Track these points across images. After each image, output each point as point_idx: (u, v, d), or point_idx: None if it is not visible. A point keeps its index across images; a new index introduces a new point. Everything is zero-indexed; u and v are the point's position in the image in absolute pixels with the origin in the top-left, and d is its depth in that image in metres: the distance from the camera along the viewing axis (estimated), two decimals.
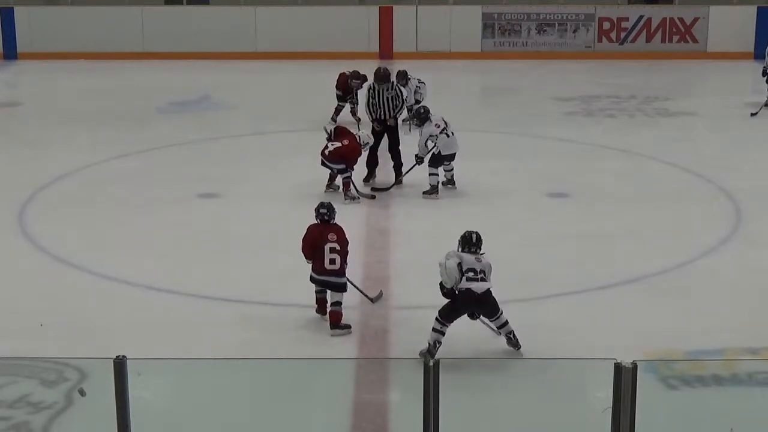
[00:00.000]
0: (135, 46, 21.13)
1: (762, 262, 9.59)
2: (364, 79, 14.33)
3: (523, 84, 19.19)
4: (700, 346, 7.73)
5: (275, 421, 6.27)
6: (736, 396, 6.97)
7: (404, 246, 10.04)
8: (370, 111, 12.00)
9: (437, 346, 7.33)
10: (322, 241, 7.93)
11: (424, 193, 11.47)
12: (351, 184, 11.32)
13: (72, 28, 21.14)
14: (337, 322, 7.95)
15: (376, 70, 12.20)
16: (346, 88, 14.65)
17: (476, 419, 6.33)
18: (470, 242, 7.41)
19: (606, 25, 21.47)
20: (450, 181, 11.68)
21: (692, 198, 11.72)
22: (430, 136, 11.35)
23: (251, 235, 10.25)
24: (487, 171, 12.48)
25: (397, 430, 6.53)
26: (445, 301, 7.35)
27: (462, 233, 7.50)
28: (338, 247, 7.92)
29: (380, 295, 8.54)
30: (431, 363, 4.96)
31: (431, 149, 11.42)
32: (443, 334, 7.33)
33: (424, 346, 7.36)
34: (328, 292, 8.04)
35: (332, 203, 8.28)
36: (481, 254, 7.39)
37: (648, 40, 21.49)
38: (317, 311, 8.14)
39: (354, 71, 14.71)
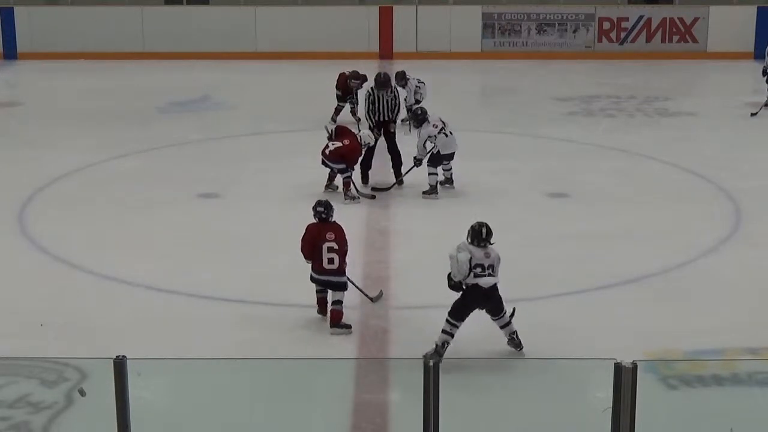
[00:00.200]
0: (135, 46, 21.14)
1: (762, 262, 9.59)
2: (364, 79, 14.34)
3: (523, 84, 19.19)
4: (700, 346, 7.73)
5: (275, 421, 6.27)
6: (736, 396, 6.97)
7: (404, 246, 10.04)
8: (370, 117, 11.99)
9: (445, 346, 7.32)
10: (320, 240, 7.93)
11: (423, 193, 11.47)
12: (351, 184, 11.32)
13: (72, 28, 21.16)
14: (337, 321, 7.95)
15: (377, 76, 12.21)
16: (346, 89, 14.66)
17: (476, 419, 6.33)
18: (480, 236, 7.34)
19: (606, 25, 21.48)
20: (448, 181, 11.68)
21: (692, 198, 11.72)
22: (429, 137, 11.36)
23: (251, 235, 10.25)
24: (487, 171, 12.49)
25: (397, 430, 6.53)
26: (452, 303, 7.32)
27: (472, 225, 7.41)
28: (336, 247, 7.92)
29: (380, 295, 8.54)
30: (431, 363, 4.96)
31: (430, 150, 11.42)
32: (452, 335, 7.32)
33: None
34: (329, 291, 8.04)
35: (330, 201, 8.27)
36: (491, 244, 7.37)
37: (648, 40, 21.50)
38: (318, 312, 8.13)
39: (353, 71, 14.71)
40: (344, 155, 11.19)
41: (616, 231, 10.44)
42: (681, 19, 21.46)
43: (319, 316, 8.13)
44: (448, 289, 7.33)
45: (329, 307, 8.03)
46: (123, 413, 5.01)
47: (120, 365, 4.98)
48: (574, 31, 21.48)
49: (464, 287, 7.26)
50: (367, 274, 9.03)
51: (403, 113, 13.09)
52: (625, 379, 4.89)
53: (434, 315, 7.73)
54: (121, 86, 18.63)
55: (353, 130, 11.70)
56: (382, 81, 12.10)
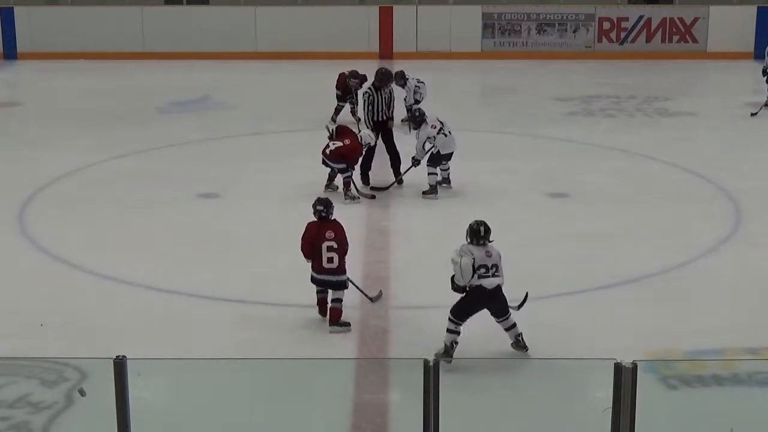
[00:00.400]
0: (135, 46, 21.14)
1: (762, 262, 9.59)
2: (364, 78, 14.35)
3: (523, 84, 19.19)
4: (700, 346, 7.73)
5: (275, 421, 6.27)
6: (736, 396, 6.97)
7: (404, 246, 10.04)
8: (368, 118, 11.98)
9: (454, 346, 7.31)
10: (320, 239, 7.92)
11: (423, 193, 11.48)
12: (351, 184, 11.33)
13: (72, 28, 21.15)
14: (337, 319, 7.96)
15: (378, 70, 12.25)
16: (346, 88, 14.66)
17: (476, 419, 6.33)
18: (478, 235, 7.33)
19: (606, 25, 21.48)
20: (445, 180, 11.67)
21: (692, 198, 11.72)
22: (428, 138, 11.36)
23: (251, 235, 10.25)
24: (487, 171, 12.49)
25: (397, 430, 6.53)
26: (454, 301, 7.32)
27: (470, 224, 7.41)
28: (336, 246, 7.91)
29: (380, 295, 8.54)
30: (432, 363, 4.96)
31: (429, 150, 11.42)
32: (459, 333, 7.31)
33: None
34: (329, 292, 8.04)
35: (330, 199, 8.27)
36: (490, 242, 7.37)
37: (648, 40, 21.50)
38: (319, 313, 8.12)
39: (352, 71, 14.71)
40: (345, 155, 11.19)
41: (616, 231, 10.44)
42: (681, 19, 21.46)
43: (320, 316, 8.12)
44: (452, 291, 7.32)
45: (330, 306, 8.02)
46: (123, 413, 5.02)
47: (120, 365, 4.98)
48: (574, 31, 21.48)
49: (468, 288, 7.26)
50: (367, 274, 9.03)
51: (401, 113, 13.09)
52: (625, 379, 4.90)
53: (434, 315, 7.73)
54: (121, 86, 18.63)
55: (354, 130, 11.71)
56: (383, 74, 12.12)
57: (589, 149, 13.97)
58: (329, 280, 7.97)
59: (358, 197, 11.34)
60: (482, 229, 7.36)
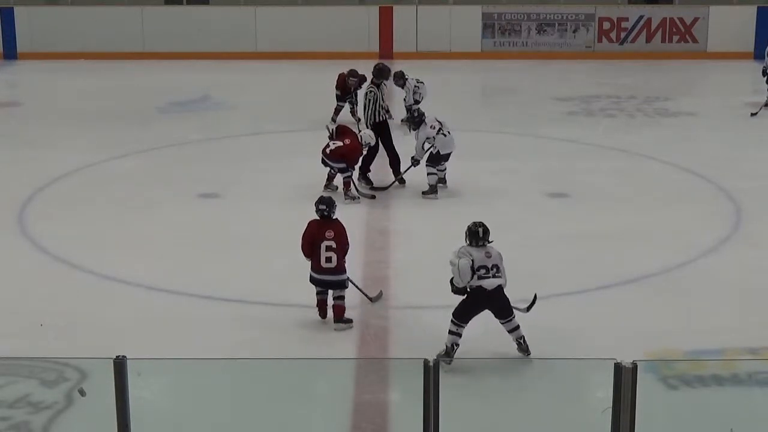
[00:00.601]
0: (135, 46, 21.13)
1: (762, 262, 9.59)
2: (363, 78, 14.35)
3: (523, 84, 19.18)
4: (700, 346, 7.73)
5: (275, 421, 6.27)
6: (736, 396, 6.97)
7: (404, 246, 10.04)
8: (369, 117, 11.99)
9: (455, 348, 7.30)
10: (319, 238, 7.92)
11: (423, 193, 11.48)
12: (351, 184, 11.33)
13: (72, 28, 21.14)
14: (341, 316, 7.98)
15: (375, 66, 12.31)
16: (345, 88, 14.66)
17: (476, 419, 6.33)
18: (477, 236, 7.32)
19: (606, 25, 21.48)
20: (441, 181, 11.66)
21: (692, 198, 11.72)
22: (427, 138, 11.37)
23: (251, 235, 10.24)
24: (487, 171, 12.48)
25: (397, 430, 6.53)
26: (457, 302, 7.32)
27: (468, 225, 7.40)
28: (334, 246, 7.91)
29: (380, 295, 8.54)
30: (432, 363, 4.96)
31: (428, 150, 11.43)
32: (460, 335, 7.29)
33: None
34: (329, 292, 8.03)
35: (332, 198, 8.26)
36: (490, 242, 7.36)
37: (648, 40, 21.50)
38: (318, 314, 8.11)
39: (351, 70, 14.71)
40: (345, 155, 11.19)
41: (616, 231, 10.44)
42: (681, 19, 21.46)
43: (320, 317, 8.12)
44: (452, 293, 7.31)
45: (330, 303, 8.02)
46: (123, 413, 5.02)
47: (120, 365, 4.99)
48: (574, 31, 21.48)
49: (468, 289, 7.25)
50: (367, 274, 9.03)
51: (401, 113, 13.10)
52: (625, 379, 4.90)
53: (434, 315, 7.74)
54: (121, 86, 18.63)
55: (354, 130, 11.71)
56: (381, 69, 12.18)
57: (589, 149, 13.97)
58: (328, 280, 7.97)
59: (359, 197, 11.34)
60: (481, 230, 7.35)
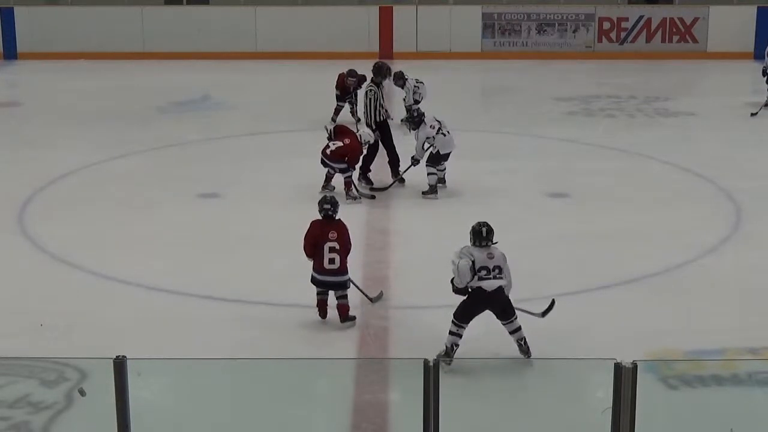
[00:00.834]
0: (135, 46, 21.14)
1: (762, 262, 9.59)
2: (363, 78, 14.36)
3: (523, 84, 19.18)
4: (700, 346, 7.73)
5: (275, 421, 6.27)
6: (736, 396, 6.97)
7: (404, 246, 10.04)
8: (370, 116, 11.99)
9: (455, 348, 7.28)
10: (322, 239, 7.91)
11: (423, 193, 11.48)
12: (352, 184, 11.32)
13: (72, 28, 21.15)
14: (346, 315, 7.99)
15: (374, 64, 12.32)
16: (345, 88, 14.66)
17: (476, 419, 6.33)
18: (481, 236, 7.29)
19: (606, 25, 21.48)
20: (441, 181, 11.65)
21: (692, 198, 11.72)
22: (427, 138, 11.37)
23: (251, 235, 10.24)
24: (486, 171, 12.49)
25: (397, 430, 6.53)
26: (457, 302, 7.31)
27: (472, 225, 7.37)
28: (338, 246, 7.90)
29: (380, 295, 8.54)
30: (432, 363, 4.96)
31: (428, 149, 11.43)
32: (460, 336, 7.28)
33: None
34: (330, 293, 8.03)
35: (335, 197, 8.25)
36: (494, 244, 7.34)
37: (648, 40, 21.50)
38: (319, 314, 8.10)
39: (350, 70, 14.71)
40: (346, 155, 11.19)
41: (616, 231, 10.44)
42: (681, 19, 21.46)
43: (320, 317, 8.12)
44: (453, 293, 7.31)
45: (334, 304, 8.02)
46: (123, 413, 5.02)
47: (120, 365, 4.99)
48: (574, 31, 21.48)
49: (469, 290, 7.25)
50: (367, 275, 9.03)
51: (401, 113, 13.10)
52: (625, 379, 4.89)
53: (434, 315, 7.74)
54: (121, 86, 18.62)
55: (352, 130, 11.70)
56: (380, 67, 12.23)
57: (589, 149, 13.97)
58: (330, 281, 7.96)
59: (359, 197, 11.34)
60: (484, 230, 7.32)
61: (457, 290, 7.28)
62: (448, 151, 11.45)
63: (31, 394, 6.73)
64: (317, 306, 8.08)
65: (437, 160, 11.43)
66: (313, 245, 7.95)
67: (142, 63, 20.59)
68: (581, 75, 19.75)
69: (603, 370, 5.01)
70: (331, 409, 6.72)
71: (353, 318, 8.04)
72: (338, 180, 11.34)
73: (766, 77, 15.92)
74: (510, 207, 11.16)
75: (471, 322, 7.30)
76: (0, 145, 14.37)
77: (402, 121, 12.80)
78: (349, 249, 8.03)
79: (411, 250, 9.89)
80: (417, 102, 13.92)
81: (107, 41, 21.02)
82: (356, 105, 14.57)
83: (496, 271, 7.21)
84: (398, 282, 9.03)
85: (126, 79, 19.34)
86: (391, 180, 11.89)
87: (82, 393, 6.09)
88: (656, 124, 15.62)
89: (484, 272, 7.18)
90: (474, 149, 12.91)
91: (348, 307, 8.01)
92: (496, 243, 7.33)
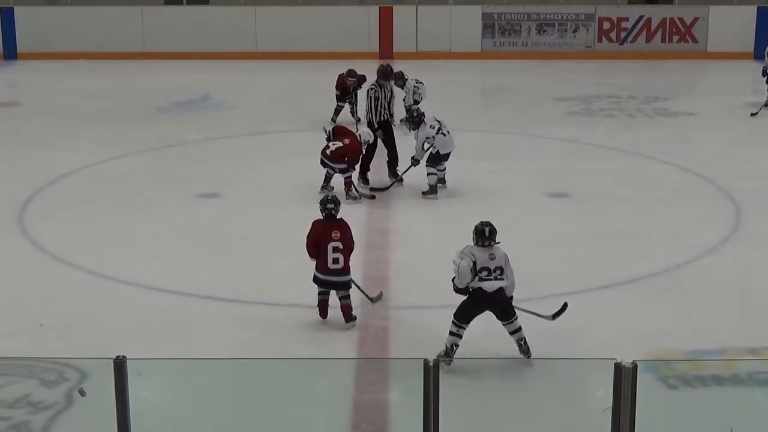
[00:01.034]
0: (135, 46, 21.14)
1: (762, 262, 9.59)
2: (363, 78, 14.36)
3: (523, 84, 19.18)
4: (700, 346, 7.73)
5: (275, 421, 6.27)
6: (736, 396, 6.97)
7: (404, 246, 10.04)
8: (372, 116, 11.99)
9: (454, 349, 7.28)
10: (325, 239, 7.89)
11: (423, 193, 11.48)
12: (352, 184, 11.32)
13: (72, 28, 21.16)
14: (350, 314, 7.99)
15: (380, 67, 12.31)
16: (344, 88, 14.67)
17: (476, 419, 6.33)
18: (483, 235, 7.26)
19: (606, 25, 21.48)
20: (441, 181, 11.65)
21: (692, 198, 11.72)
22: (427, 138, 11.37)
23: (251, 235, 10.24)
24: (486, 171, 12.49)
25: (397, 430, 6.53)
26: (454, 301, 7.31)
27: (475, 225, 7.34)
28: (341, 246, 7.89)
29: (380, 295, 8.53)
30: (432, 363, 4.96)
31: (428, 149, 11.43)
32: (460, 336, 7.27)
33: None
34: (331, 293, 8.02)
35: (337, 197, 8.24)
36: (497, 244, 7.33)
37: (648, 40, 21.50)
38: (319, 314, 8.10)
39: (350, 70, 14.71)
40: (345, 155, 11.19)
41: (616, 231, 10.44)
42: (681, 19, 21.46)
43: (320, 317, 8.12)
44: (454, 293, 7.31)
45: (337, 305, 8.01)
46: (123, 413, 5.02)
47: (120, 365, 4.98)
48: (574, 31, 21.48)
49: (470, 290, 7.24)
50: (367, 275, 9.02)
51: (401, 113, 13.10)
52: (625, 379, 4.89)
53: (434, 315, 7.74)
54: (121, 86, 18.63)
55: (351, 130, 11.70)
56: (384, 70, 12.19)
57: (589, 149, 13.98)
58: (333, 281, 7.94)
59: (359, 197, 11.34)
60: (487, 229, 7.30)
61: (457, 290, 7.28)
62: (448, 151, 11.45)
63: (31, 394, 6.73)
64: (318, 306, 8.08)
65: (437, 160, 11.43)
66: (316, 245, 7.92)
67: (142, 63, 20.60)
68: (581, 75, 19.75)
69: (603, 370, 5.01)
70: (331, 409, 6.72)
71: (355, 318, 8.04)
72: (338, 180, 11.34)
73: (766, 77, 15.92)
74: (510, 207, 11.16)
75: (471, 322, 7.31)
76: (0, 145, 14.37)
77: (402, 121, 12.81)
78: (353, 248, 8.02)
79: (411, 250, 9.89)
80: (417, 102, 13.93)
81: (107, 41, 21.03)
82: (356, 105, 14.58)
83: (498, 272, 7.20)
84: (398, 282, 9.03)
85: (126, 79, 19.35)
86: (391, 180, 11.89)
87: (82, 393, 6.08)
88: (656, 124, 15.62)
89: (485, 273, 7.18)
90: (474, 149, 12.91)
91: (351, 307, 8.01)
92: (498, 243, 7.33)
